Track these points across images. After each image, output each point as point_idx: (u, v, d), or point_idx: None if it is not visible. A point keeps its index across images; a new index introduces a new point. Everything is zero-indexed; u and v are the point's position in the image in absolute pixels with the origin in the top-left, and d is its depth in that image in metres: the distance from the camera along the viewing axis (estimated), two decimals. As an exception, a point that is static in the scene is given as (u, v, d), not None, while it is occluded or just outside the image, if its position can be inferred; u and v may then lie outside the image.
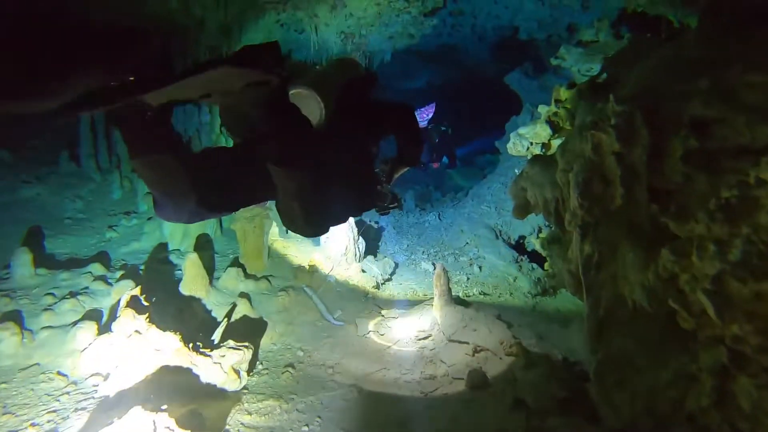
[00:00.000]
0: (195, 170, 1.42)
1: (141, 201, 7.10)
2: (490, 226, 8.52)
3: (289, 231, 7.31)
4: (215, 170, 1.57)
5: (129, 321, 3.26)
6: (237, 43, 6.74)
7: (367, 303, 5.76)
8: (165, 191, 1.41)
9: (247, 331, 4.50)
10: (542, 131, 6.07)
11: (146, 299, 3.57)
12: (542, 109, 6.45)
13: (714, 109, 3.35)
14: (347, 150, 1.90)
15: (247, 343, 3.72)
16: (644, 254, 3.47)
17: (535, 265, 7.59)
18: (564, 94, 5.82)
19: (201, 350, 3.46)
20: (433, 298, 5.01)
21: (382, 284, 6.60)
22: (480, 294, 6.66)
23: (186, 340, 3.44)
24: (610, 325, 3.81)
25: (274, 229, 6.92)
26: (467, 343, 4.26)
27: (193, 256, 4.83)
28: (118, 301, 3.67)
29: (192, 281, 4.79)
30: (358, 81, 1.97)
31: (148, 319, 3.33)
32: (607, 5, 8.11)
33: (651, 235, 3.53)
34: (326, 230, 1.90)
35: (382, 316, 5.36)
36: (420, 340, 4.64)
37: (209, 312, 4.67)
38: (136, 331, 3.24)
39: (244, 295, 5.01)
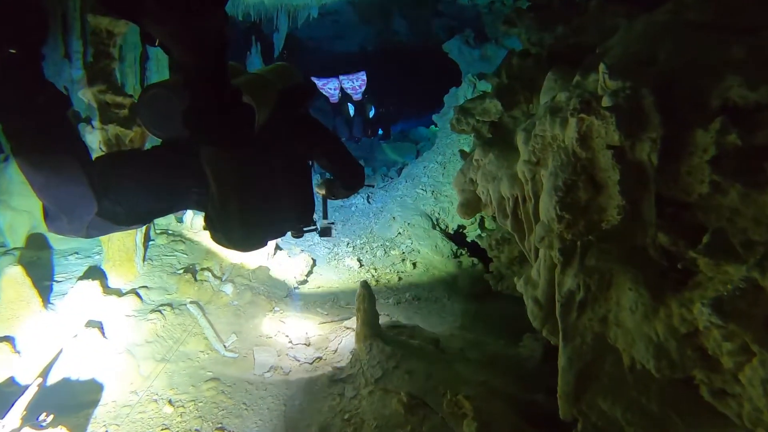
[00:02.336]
0: (97, 174, 1.23)
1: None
2: (426, 212, 7.47)
3: (183, 220, 5.91)
4: (124, 176, 1.38)
5: None
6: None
7: (273, 320, 4.52)
8: (58, 199, 1.19)
9: (87, 382, 3.17)
10: (492, 107, 4.97)
11: None
12: (491, 80, 5.43)
13: (763, 91, 2.35)
14: (283, 160, 1.74)
15: (57, 429, 2.41)
16: (651, 295, 2.46)
17: (476, 260, 6.67)
18: (519, 63, 4.81)
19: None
20: (356, 313, 3.88)
21: (295, 289, 5.38)
22: (414, 299, 5.61)
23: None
24: (593, 385, 2.82)
25: (163, 220, 5.49)
26: (398, 392, 3.18)
27: (14, 272, 3.38)
28: None
29: (11, 307, 3.35)
30: (296, 90, 1.81)
31: None
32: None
33: (661, 268, 2.53)
34: (264, 243, 1.64)
35: (290, 342, 4.15)
36: (336, 382, 3.51)
37: (31, 356, 3.25)
38: None
39: (93, 323, 3.61)
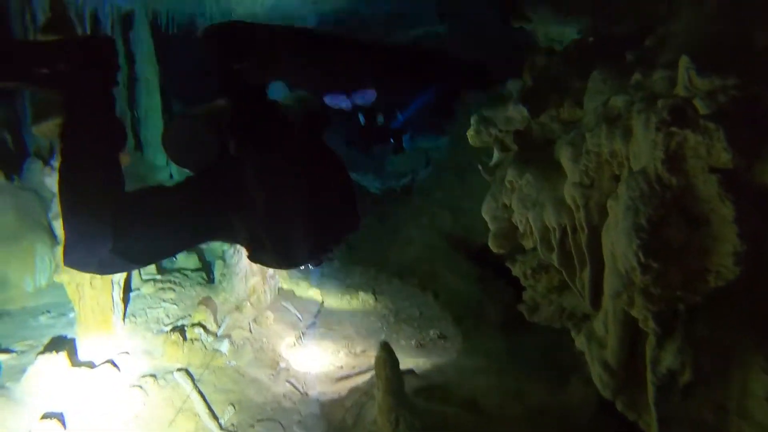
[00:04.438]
0: (122, 208, 1.28)
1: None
2: (445, 232, 6.80)
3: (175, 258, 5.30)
4: (145, 213, 1.39)
5: None
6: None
7: (278, 381, 3.85)
8: (79, 225, 1.23)
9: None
10: (517, 114, 4.25)
11: None
12: (512, 86, 4.77)
13: None
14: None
15: None
16: (796, 380, 1.69)
17: (503, 283, 5.98)
18: (544, 62, 4.20)
19: None
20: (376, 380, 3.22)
21: (303, 335, 4.71)
22: (439, 338, 4.94)
23: None
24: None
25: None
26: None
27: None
28: None
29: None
30: (314, 117, 1.81)
31: None
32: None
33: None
34: (303, 261, 1.68)
35: (300, 413, 3.48)
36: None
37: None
38: None
39: (51, 414, 2.94)
